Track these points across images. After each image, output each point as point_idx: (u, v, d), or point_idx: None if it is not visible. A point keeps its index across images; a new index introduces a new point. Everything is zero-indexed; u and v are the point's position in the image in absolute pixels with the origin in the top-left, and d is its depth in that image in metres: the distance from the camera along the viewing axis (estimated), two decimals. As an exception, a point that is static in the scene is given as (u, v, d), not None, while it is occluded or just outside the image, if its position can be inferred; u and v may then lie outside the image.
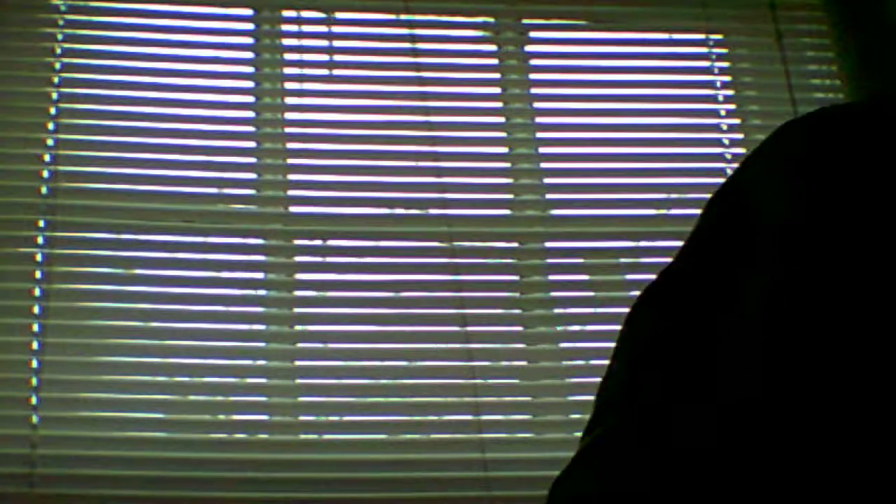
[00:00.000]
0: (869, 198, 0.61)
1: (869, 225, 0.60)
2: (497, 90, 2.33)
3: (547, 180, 2.27)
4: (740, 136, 2.35)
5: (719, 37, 2.44)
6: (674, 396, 0.62)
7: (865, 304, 0.59)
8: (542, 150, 2.29)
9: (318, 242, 2.17)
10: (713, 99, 2.39)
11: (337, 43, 2.32)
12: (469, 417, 2.06)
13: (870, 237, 0.61)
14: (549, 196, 2.26)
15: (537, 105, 2.32)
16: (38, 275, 2.06)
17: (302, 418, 2.05)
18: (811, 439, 0.58)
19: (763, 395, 0.59)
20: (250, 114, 2.25)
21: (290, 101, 2.26)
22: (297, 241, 2.16)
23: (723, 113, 2.38)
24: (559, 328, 2.17)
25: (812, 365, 0.59)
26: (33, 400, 1.98)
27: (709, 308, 0.65)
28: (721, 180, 2.12)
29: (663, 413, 0.62)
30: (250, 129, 2.24)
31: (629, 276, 2.20)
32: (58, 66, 2.21)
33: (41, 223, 2.10)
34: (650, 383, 0.64)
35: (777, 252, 0.63)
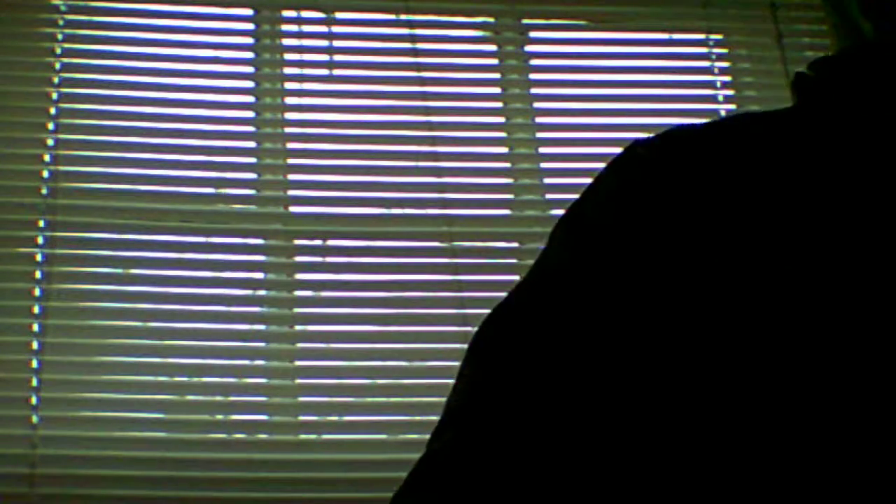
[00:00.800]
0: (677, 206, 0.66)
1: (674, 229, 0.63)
2: (497, 90, 2.33)
3: (547, 180, 2.27)
4: (740, 136, 2.35)
5: (719, 37, 2.44)
6: (507, 418, 0.64)
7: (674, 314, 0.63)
8: (542, 150, 2.29)
9: (318, 242, 2.17)
10: (713, 99, 2.39)
11: (337, 43, 2.32)
12: (469, 417, 2.06)
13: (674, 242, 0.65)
14: (549, 196, 2.26)
15: (537, 105, 2.32)
16: (38, 275, 2.06)
17: (302, 418, 2.04)
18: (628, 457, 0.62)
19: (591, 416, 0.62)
20: (250, 114, 2.25)
21: (290, 101, 2.26)
22: (297, 241, 2.16)
23: (723, 113, 2.38)
24: (559, 328, 2.16)
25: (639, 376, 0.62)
26: (33, 400, 1.98)
27: (549, 322, 0.67)
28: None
29: (498, 435, 0.63)
30: (250, 129, 2.24)
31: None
32: (58, 66, 2.21)
33: (41, 223, 2.09)
34: (488, 402, 0.65)
35: (601, 246, 0.66)
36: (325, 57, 2.31)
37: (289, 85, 2.28)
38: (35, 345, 2.01)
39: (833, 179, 0.65)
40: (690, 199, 0.65)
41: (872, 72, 0.70)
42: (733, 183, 0.66)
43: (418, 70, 2.30)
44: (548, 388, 0.63)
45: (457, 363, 2.28)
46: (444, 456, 0.66)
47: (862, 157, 0.66)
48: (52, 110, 2.17)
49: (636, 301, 0.64)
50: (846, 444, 0.59)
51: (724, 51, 2.44)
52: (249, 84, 2.28)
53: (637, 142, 0.74)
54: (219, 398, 2.04)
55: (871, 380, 0.59)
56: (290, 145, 2.23)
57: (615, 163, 0.74)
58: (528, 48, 2.38)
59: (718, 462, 0.60)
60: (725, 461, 0.60)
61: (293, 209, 2.18)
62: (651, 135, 0.73)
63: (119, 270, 2.08)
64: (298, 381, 2.07)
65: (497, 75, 2.35)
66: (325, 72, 2.30)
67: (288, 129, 2.23)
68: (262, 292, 2.12)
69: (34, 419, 1.96)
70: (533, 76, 2.34)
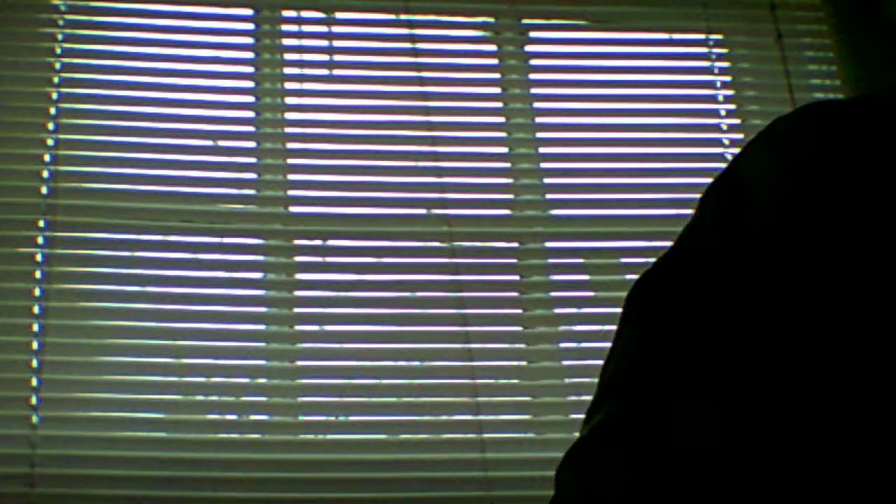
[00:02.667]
0: (856, 187, 0.61)
1: (856, 214, 0.60)
2: (497, 90, 2.33)
3: (547, 180, 2.27)
4: (740, 136, 2.35)
5: (719, 37, 2.44)
6: (674, 391, 0.61)
7: (857, 298, 0.59)
8: (542, 150, 2.29)
9: (318, 242, 2.17)
10: (713, 99, 2.39)
11: (337, 43, 2.32)
12: (469, 417, 2.06)
13: (857, 226, 0.60)
14: (549, 196, 2.26)
15: (537, 105, 2.32)
16: (38, 275, 2.06)
17: (302, 418, 2.05)
18: (813, 443, 0.58)
19: (763, 397, 0.59)
20: (250, 114, 2.25)
21: (290, 101, 2.26)
22: (297, 241, 2.16)
23: (723, 113, 2.38)
24: (559, 328, 2.17)
25: (810, 363, 0.59)
26: (33, 400, 1.98)
27: (710, 300, 0.64)
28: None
29: (664, 406, 0.61)
30: (250, 129, 2.24)
31: (629, 276, 2.20)
32: (58, 66, 2.21)
33: (41, 223, 2.10)
34: (652, 372, 0.63)
35: (768, 237, 0.62)
36: (325, 57, 2.31)
37: (289, 85, 2.28)
38: (35, 345, 2.01)
39: None
40: (854, 176, 0.62)
41: None
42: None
43: (418, 70, 2.30)
44: (711, 354, 0.61)
45: (457, 363, 2.27)
46: (612, 425, 0.63)
47: None
48: (52, 110, 2.17)
49: (805, 272, 0.60)
50: None
51: (724, 51, 2.44)
52: (249, 84, 2.28)
53: (784, 115, 0.69)
54: (219, 398, 2.04)
55: None
56: (290, 145, 2.23)
57: (767, 127, 0.69)
58: (528, 48, 2.38)
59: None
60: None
61: (293, 209, 2.18)
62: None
63: (119, 270, 2.08)
64: (299, 381, 2.07)
65: (497, 75, 2.35)
66: (325, 72, 2.30)
67: (288, 129, 2.23)
68: (262, 292, 2.12)
69: (34, 419, 1.96)
70: (533, 76, 2.34)
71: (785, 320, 0.60)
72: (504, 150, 2.29)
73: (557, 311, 2.17)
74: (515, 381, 2.13)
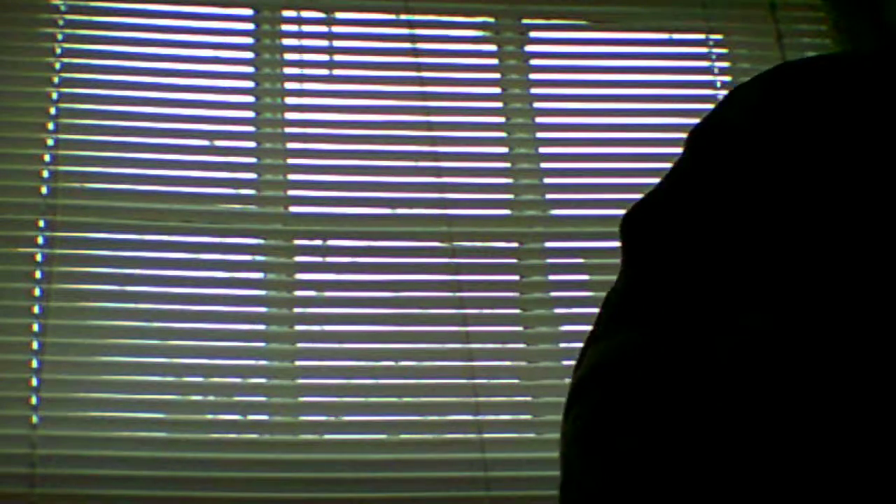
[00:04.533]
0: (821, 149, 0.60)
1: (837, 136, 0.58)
2: (497, 90, 2.33)
3: (547, 180, 2.27)
4: (740, 136, 2.35)
5: (719, 37, 2.44)
6: (715, 308, 0.56)
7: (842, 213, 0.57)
8: (542, 150, 2.29)
9: (318, 242, 2.17)
10: (713, 99, 2.39)
11: (337, 43, 2.32)
12: (469, 417, 2.07)
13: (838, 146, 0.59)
14: (549, 196, 2.26)
15: (537, 105, 2.32)
16: (38, 275, 2.06)
17: (302, 418, 2.05)
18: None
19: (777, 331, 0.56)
20: (250, 114, 2.25)
21: (290, 101, 2.27)
22: (297, 241, 2.16)
23: (723, 113, 2.37)
24: (559, 328, 2.17)
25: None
26: (33, 400, 1.98)
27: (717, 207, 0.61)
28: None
29: (706, 328, 0.55)
30: (250, 129, 2.24)
31: (629, 276, 2.20)
32: (58, 66, 2.21)
33: (41, 223, 2.10)
34: (677, 295, 0.58)
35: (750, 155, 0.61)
36: (325, 57, 2.31)
37: (289, 85, 2.28)
38: (35, 345, 2.01)
39: None
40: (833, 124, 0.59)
41: None
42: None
43: (418, 70, 2.30)
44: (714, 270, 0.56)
45: (457, 363, 2.27)
46: (627, 353, 0.57)
47: None
48: (52, 110, 2.17)
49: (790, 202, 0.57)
50: None
51: (724, 51, 2.44)
52: (249, 84, 2.28)
53: (784, 65, 0.67)
54: (219, 398, 2.04)
55: None
56: (290, 145, 2.23)
57: (760, 78, 0.67)
58: (528, 48, 2.38)
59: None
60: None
61: (293, 209, 2.18)
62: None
63: (119, 270, 2.08)
64: (299, 381, 2.07)
65: (497, 75, 2.35)
66: (325, 72, 2.30)
67: (288, 129, 2.24)
68: (262, 292, 2.12)
69: (34, 419, 1.96)
70: (533, 76, 2.34)
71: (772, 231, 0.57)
72: (504, 150, 2.29)
73: (557, 311, 2.17)
74: (515, 381, 2.13)
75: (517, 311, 2.17)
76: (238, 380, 2.04)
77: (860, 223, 0.56)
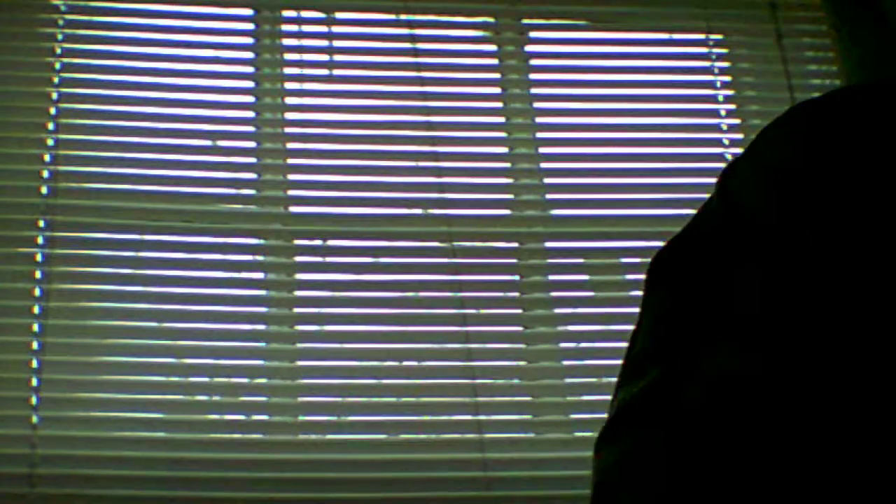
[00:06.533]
0: (853, 204, 0.61)
1: (853, 229, 0.60)
2: (497, 90, 2.33)
3: (547, 180, 2.27)
4: (740, 136, 2.35)
5: (719, 37, 2.44)
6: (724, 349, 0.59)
7: (855, 302, 0.59)
8: (542, 150, 2.29)
9: (318, 242, 2.17)
10: (713, 99, 2.39)
11: (337, 43, 2.32)
12: (469, 417, 2.06)
13: (855, 240, 0.60)
14: (549, 196, 2.26)
15: (537, 105, 2.32)
16: (38, 275, 2.06)
17: (302, 418, 2.05)
18: (811, 433, 0.57)
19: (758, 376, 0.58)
20: (250, 114, 2.25)
21: (290, 101, 2.27)
22: (297, 241, 2.16)
23: (723, 113, 2.38)
24: (559, 328, 2.17)
25: (806, 358, 0.59)
26: (33, 400, 1.98)
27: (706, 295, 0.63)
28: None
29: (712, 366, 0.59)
30: (250, 129, 2.24)
31: (629, 276, 2.20)
32: (58, 66, 2.21)
33: (41, 223, 2.10)
34: (696, 335, 0.61)
35: (764, 247, 0.62)
36: (325, 57, 2.31)
37: (289, 85, 2.28)
38: (35, 345, 2.01)
39: None
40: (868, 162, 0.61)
41: None
42: None
43: (418, 70, 2.30)
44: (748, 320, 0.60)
45: (457, 363, 2.27)
46: (656, 392, 0.61)
47: None
48: (52, 110, 2.17)
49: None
50: None
51: (724, 51, 2.44)
52: (249, 84, 2.28)
53: (777, 121, 0.69)
54: (219, 398, 2.04)
55: None
56: (290, 145, 2.23)
57: (759, 140, 0.68)
58: (528, 48, 2.38)
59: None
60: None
61: (293, 209, 2.18)
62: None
63: (119, 270, 2.08)
64: (299, 381, 2.07)
65: (497, 75, 2.35)
66: (325, 72, 2.30)
67: (288, 129, 2.24)
68: (262, 292, 2.12)
69: (34, 419, 1.96)
70: (533, 76, 2.34)
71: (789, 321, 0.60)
72: (504, 150, 2.29)
73: (557, 311, 2.17)
74: (515, 381, 2.13)
75: (517, 310, 2.17)
76: (238, 380, 2.04)
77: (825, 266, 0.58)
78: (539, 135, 2.30)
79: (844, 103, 0.64)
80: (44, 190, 2.12)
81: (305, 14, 2.34)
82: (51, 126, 2.16)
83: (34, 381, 1.99)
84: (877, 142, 0.61)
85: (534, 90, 2.33)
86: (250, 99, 2.27)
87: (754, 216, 0.63)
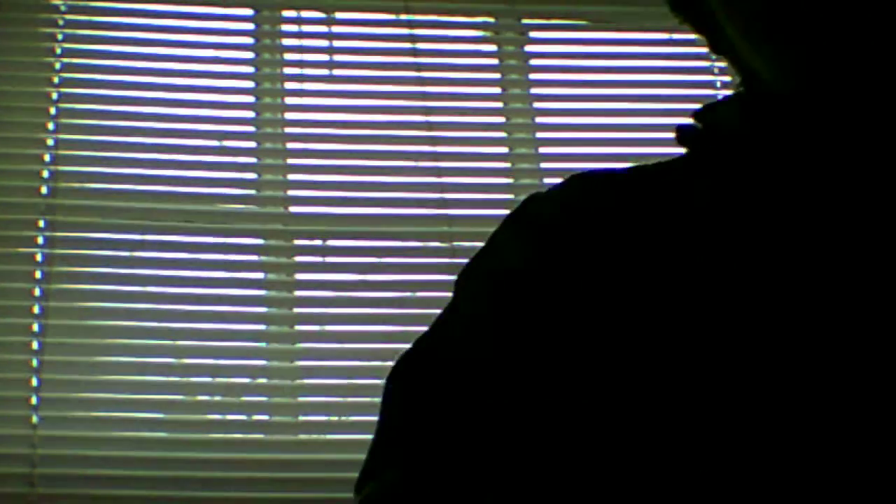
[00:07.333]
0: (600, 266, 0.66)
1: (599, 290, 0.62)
2: (497, 90, 2.33)
3: (547, 180, 2.27)
4: (740, 136, 2.35)
5: (719, 37, 2.44)
6: (455, 461, 0.65)
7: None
8: (542, 150, 2.29)
9: (318, 242, 2.17)
10: (713, 99, 2.38)
11: (337, 43, 2.32)
12: (469, 417, 2.06)
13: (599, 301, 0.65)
14: (549, 196, 2.26)
15: (537, 105, 2.32)
16: (38, 275, 2.06)
17: (302, 418, 2.05)
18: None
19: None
20: (250, 114, 2.25)
21: (290, 101, 2.27)
22: (297, 241, 2.16)
23: (723, 113, 2.37)
24: (559, 328, 2.16)
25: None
26: (33, 400, 1.98)
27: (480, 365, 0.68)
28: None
29: (448, 475, 0.64)
30: (250, 129, 2.24)
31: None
32: (58, 66, 2.21)
33: (41, 223, 2.09)
34: (430, 440, 0.67)
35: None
36: (325, 57, 2.31)
37: (289, 85, 2.28)
38: (35, 345, 2.01)
39: (717, 254, 0.63)
40: (590, 265, 0.66)
41: (768, 135, 0.66)
42: (626, 251, 0.66)
43: (418, 70, 2.30)
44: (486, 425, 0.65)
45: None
46: (396, 494, 0.66)
47: (751, 229, 0.64)
48: (52, 110, 2.17)
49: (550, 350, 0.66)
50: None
51: (724, 51, 2.43)
52: (249, 84, 2.28)
53: (534, 197, 0.74)
54: (219, 398, 2.04)
55: None
56: (290, 145, 2.23)
57: (518, 219, 0.73)
58: (528, 48, 2.38)
59: None
60: None
61: (293, 209, 2.18)
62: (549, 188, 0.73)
63: (119, 270, 2.08)
64: (299, 381, 2.07)
65: (497, 75, 2.35)
66: (325, 72, 2.30)
67: (288, 129, 2.24)
68: (262, 292, 2.12)
69: (34, 419, 1.96)
70: (533, 76, 2.34)
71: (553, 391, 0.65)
72: (504, 150, 2.29)
73: (557, 311, 2.17)
74: (515, 381, 2.13)
75: (517, 311, 2.16)
76: (238, 380, 2.04)
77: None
78: (539, 135, 2.30)
79: (572, 199, 0.69)
80: (44, 190, 2.12)
81: (305, 14, 2.34)
82: (51, 126, 2.16)
83: (34, 381, 1.99)
84: (604, 244, 0.65)
85: (534, 90, 2.33)
86: (250, 99, 2.27)
87: (471, 327, 0.68)
